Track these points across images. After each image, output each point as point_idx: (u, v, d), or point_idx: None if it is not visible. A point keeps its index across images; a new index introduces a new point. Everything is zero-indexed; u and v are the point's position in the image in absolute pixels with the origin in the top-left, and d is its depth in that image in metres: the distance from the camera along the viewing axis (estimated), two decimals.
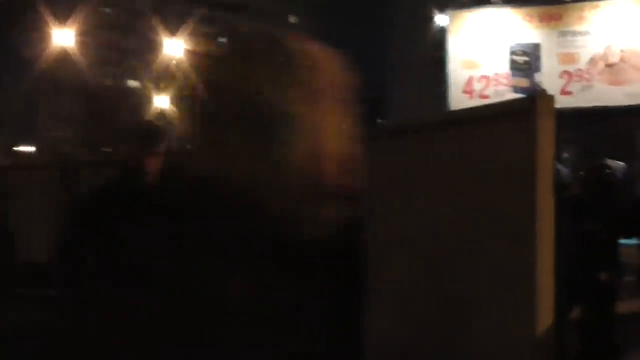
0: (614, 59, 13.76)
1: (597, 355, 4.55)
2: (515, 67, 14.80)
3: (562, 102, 9.85)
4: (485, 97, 14.68)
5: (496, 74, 14.96)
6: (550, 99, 2.72)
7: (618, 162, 5.17)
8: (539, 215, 2.62)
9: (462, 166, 3.02)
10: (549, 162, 2.66)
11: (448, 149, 3.13)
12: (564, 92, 13.77)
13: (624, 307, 4.88)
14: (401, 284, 3.27)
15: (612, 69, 13.77)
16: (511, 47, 14.87)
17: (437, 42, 17.29)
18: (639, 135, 13.35)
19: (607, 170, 4.85)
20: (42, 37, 24.53)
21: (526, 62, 14.66)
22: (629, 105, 13.52)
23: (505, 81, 14.84)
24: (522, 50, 14.77)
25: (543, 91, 12.08)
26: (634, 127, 13.42)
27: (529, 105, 2.68)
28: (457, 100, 15.10)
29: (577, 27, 14.19)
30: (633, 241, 4.88)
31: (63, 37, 22.42)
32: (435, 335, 3.06)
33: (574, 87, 14.01)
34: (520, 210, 2.68)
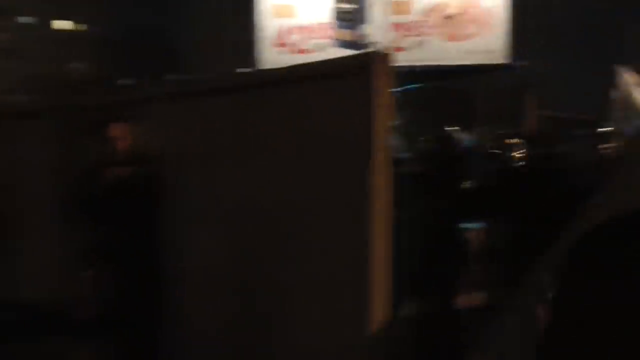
0: (452, 10, 12.16)
1: (435, 356, 4.23)
2: (340, 17, 12.69)
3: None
4: (304, 51, 12.64)
5: (316, 24, 12.85)
6: (388, 57, 2.62)
7: (462, 132, 5.19)
8: (375, 195, 2.49)
9: (282, 135, 2.82)
10: (385, 132, 2.56)
11: (264, 114, 2.92)
12: (395, 48, 11.71)
13: (465, 300, 4.48)
14: (206, 271, 3.05)
15: (450, 22, 12.19)
16: None
17: None
18: (480, 98, 12.12)
19: (451, 142, 4.61)
20: None
21: (352, 11, 12.60)
22: (469, 65, 12.11)
23: (327, 33, 12.71)
24: None
25: (380, 47, 10.51)
26: (474, 89, 12.14)
27: (363, 64, 2.60)
28: (268, 53, 12.94)
29: None
30: (476, 224, 4.51)
31: None
32: (245, 334, 2.86)
33: (406, 41, 12.24)
34: (351, 189, 2.53)
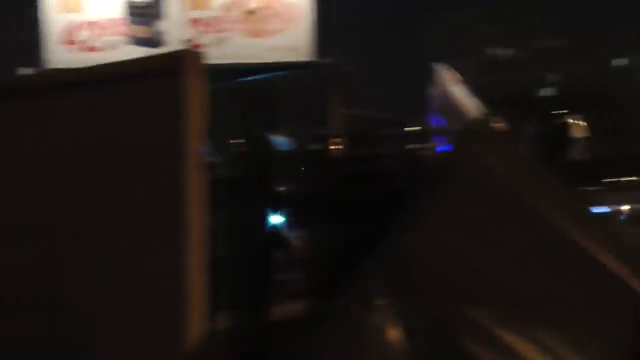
0: (253, 4, 11.89)
1: None
2: (133, 12, 12.09)
3: None
4: (95, 49, 11.93)
5: (107, 19, 12.17)
6: (200, 55, 2.74)
7: (275, 133, 5.16)
8: (188, 203, 2.55)
9: (81, 143, 2.83)
10: (199, 136, 2.66)
11: (58, 120, 2.88)
12: (194, 45, 11.33)
13: (288, 310, 4.51)
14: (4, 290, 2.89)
15: (252, 17, 11.89)
16: None
17: None
18: (286, 97, 11.98)
19: (265, 144, 4.66)
20: None
21: (146, 5, 12.04)
22: (274, 62, 11.84)
23: (120, 29, 12.07)
24: None
25: (182, 44, 10.72)
26: (280, 88, 11.97)
27: (174, 63, 2.66)
28: (56, 52, 12.05)
29: None
30: (298, 231, 4.53)
31: None
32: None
33: (206, 38, 11.80)
34: (163, 197, 2.59)
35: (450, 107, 5.86)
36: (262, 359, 4.17)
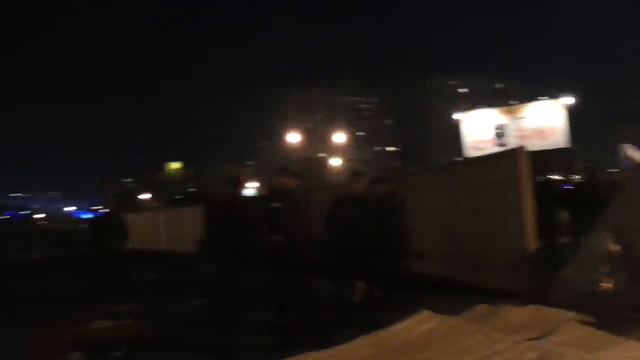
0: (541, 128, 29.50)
1: None
2: (497, 135, 29.92)
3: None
4: (481, 149, 28.54)
5: (487, 139, 30.08)
6: (522, 148, 7.09)
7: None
8: (525, 201, 7.10)
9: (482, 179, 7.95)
10: (526, 175, 6.91)
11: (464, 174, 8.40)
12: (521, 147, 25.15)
13: None
14: None
15: (541, 133, 29.23)
16: (495, 126, 30.19)
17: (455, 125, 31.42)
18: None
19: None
20: None
21: (501, 132, 29.94)
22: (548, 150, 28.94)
23: (492, 142, 29.85)
24: (500, 126, 30.08)
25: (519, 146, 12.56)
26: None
27: (514, 151, 7.24)
28: (468, 152, 30.03)
29: (520, 115, 30.07)
30: None
31: None
32: None
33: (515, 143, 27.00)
34: (515, 199, 7.16)
35: None
36: None
